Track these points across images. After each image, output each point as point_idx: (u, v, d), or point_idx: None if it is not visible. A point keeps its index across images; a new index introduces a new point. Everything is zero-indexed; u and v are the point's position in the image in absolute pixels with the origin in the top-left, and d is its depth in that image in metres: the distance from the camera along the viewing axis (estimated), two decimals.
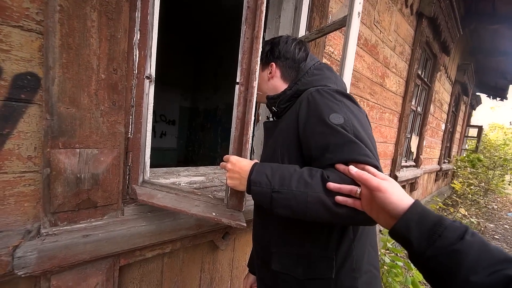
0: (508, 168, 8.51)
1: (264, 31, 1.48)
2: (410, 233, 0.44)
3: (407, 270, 1.86)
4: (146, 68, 0.89)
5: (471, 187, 6.06)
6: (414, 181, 3.92)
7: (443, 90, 4.97)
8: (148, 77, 0.90)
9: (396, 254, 2.01)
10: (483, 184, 7.53)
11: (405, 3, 2.65)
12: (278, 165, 0.65)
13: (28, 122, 0.72)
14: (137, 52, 0.87)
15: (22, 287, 0.75)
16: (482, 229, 4.56)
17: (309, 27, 1.51)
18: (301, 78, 0.78)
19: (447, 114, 5.69)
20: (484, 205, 6.70)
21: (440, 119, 5.37)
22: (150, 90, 0.92)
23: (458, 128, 7.54)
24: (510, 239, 4.40)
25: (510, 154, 9.36)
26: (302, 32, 1.46)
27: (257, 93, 0.75)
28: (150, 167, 1.00)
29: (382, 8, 2.27)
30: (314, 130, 0.63)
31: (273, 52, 0.83)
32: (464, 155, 8.46)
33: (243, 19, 0.75)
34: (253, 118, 0.76)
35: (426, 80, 3.87)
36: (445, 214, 4.44)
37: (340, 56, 1.18)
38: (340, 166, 0.57)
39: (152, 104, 0.94)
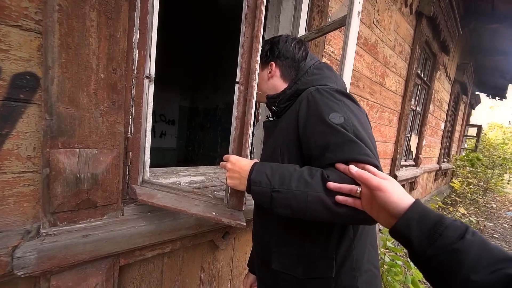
0: (507, 167, 8.54)
1: (264, 31, 1.48)
2: (410, 232, 0.44)
3: (406, 269, 1.87)
4: (145, 68, 0.89)
5: (470, 186, 6.08)
6: (413, 180, 3.92)
7: (442, 90, 4.97)
8: (147, 77, 0.90)
9: (396, 253, 2.01)
10: (482, 183, 7.55)
11: (404, 2, 2.65)
12: (278, 164, 0.65)
13: (27, 122, 0.71)
14: (137, 52, 0.87)
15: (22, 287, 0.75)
16: (481, 228, 4.58)
17: (308, 26, 1.51)
18: (301, 77, 0.78)
19: (446, 114, 5.70)
20: (483, 204, 6.72)
21: (440, 119, 5.38)
22: (149, 90, 0.92)
23: (458, 128, 7.56)
24: (509, 238, 4.41)
25: (509, 153, 9.39)
26: (301, 31, 1.46)
27: (256, 93, 0.75)
28: (150, 167, 1.00)
29: (381, 8, 2.27)
30: (314, 130, 0.63)
31: (272, 51, 0.83)
32: (464, 154, 8.47)
33: (243, 18, 0.75)
34: (253, 117, 0.76)
35: (425, 79, 3.87)
36: (445, 213, 4.44)
37: (340, 56, 1.18)
38: (340, 166, 0.57)
39: (152, 104, 0.94)
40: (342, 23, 1.05)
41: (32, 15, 0.68)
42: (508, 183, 8.82)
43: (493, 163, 8.43)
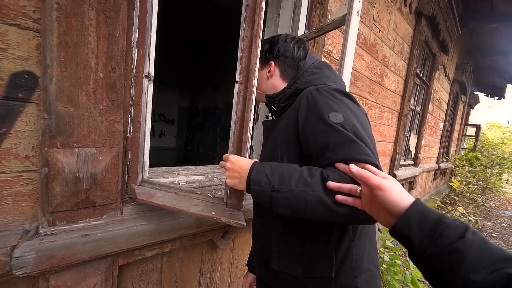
0: (506, 166, 8.57)
1: (263, 30, 1.48)
2: (410, 232, 0.44)
3: (406, 268, 1.87)
4: (144, 67, 0.89)
5: (469, 185, 6.10)
6: (412, 179, 3.93)
7: (441, 89, 4.98)
8: (146, 76, 0.90)
9: (395, 252, 2.02)
10: (481, 182, 7.58)
11: (404, 2, 2.66)
12: (277, 164, 0.65)
13: (25, 121, 0.71)
14: (136, 51, 0.86)
15: (21, 287, 0.75)
16: (480, 227, 4.59)
17: (308, 25, 1.51)
18: (301, 76, 0.78)
19: (445, 113, 5.71)
20: (482, 203, 6.74)
21: (439, 118, 5.39)
22: (148, 89, 0.92)
23: (456, 127, 7.57)
24: (508, 237, 4.43)
25: (508, 153, 9.43)
26: (301, 30, 1.46)
27: (256, 92, 0.75)
28: (149, 167, 1.00)
29: (381, 7, 2.27)
30: (314, 129, 0.63)
31: (272, 50, 0.83)
32: (462, 154, 8.49)
33: (242, 17, 0.74)
34: (252, 117, 0.76)
35: (424, 79, 3.88)
36: (444, 212, 4.45)
37: (339, 55, 1.18)
38: (340, 165, 0.57)
39: (151, 103, 0.94)
40: (342, 22, 1.05)
41: (30, 13, 0.68)
42: (506, 183, 8.86)
43: (492, 163, 8.46)
